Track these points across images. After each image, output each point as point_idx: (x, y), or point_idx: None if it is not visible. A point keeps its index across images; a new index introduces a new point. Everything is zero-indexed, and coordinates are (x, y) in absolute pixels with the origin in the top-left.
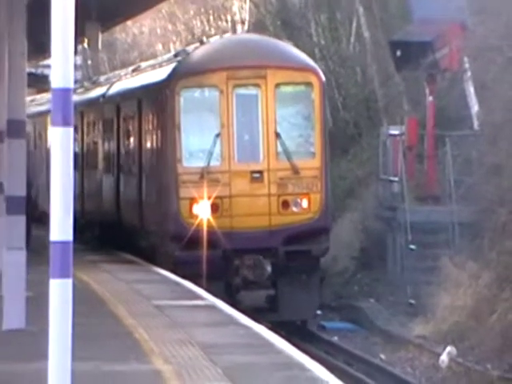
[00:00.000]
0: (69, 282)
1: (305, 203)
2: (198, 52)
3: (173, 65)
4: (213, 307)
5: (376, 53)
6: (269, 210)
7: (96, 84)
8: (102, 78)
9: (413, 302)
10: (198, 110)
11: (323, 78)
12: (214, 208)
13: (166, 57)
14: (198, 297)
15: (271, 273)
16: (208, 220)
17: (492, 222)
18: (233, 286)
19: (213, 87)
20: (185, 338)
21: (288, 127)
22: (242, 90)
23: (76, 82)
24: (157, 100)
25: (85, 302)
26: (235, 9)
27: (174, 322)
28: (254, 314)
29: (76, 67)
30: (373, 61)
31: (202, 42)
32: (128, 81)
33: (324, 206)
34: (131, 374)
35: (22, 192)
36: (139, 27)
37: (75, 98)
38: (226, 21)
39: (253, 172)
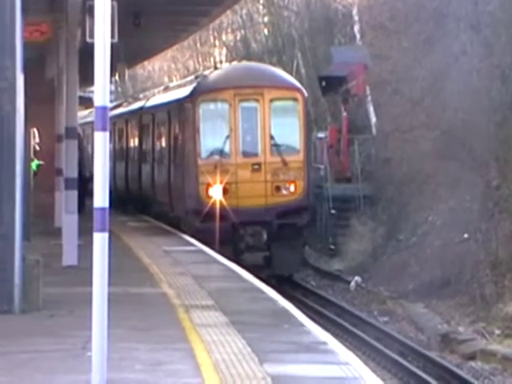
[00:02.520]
0: (106, 235)
1: (292, 188)
2: (212, 75)
3: (194, 84)
4: (201, 251)
5: (309, 83)
6: (265, 192)
7: (136, 99)
8: (141, 95)
9: (333, 247)
10: (213, 118)
11: (306, 95)
12: (225, 191)
13: (188, 79)
14: (192, 244)
15: (267, 239)
16: (220, 200)
17: (384, 195)
18: (238, 249)
19: (224, 101)
20: (182, 272)
21: (279, 131)
22: (245, 104)
23: (111, 101)
24: (182, 110)
25: (117, 248)
26: (216, 54)
27: (176, 261)
28: (254, 269)
29: (111, 92)
30: (307, 88)
31: (215, 68)
32: (160, 96)
33: (305, 189)
34: (147, 294)
35: (74, 174)
36: (152, 65)
37: (122, 109)
38: (210, 62)
39: (253, 164)
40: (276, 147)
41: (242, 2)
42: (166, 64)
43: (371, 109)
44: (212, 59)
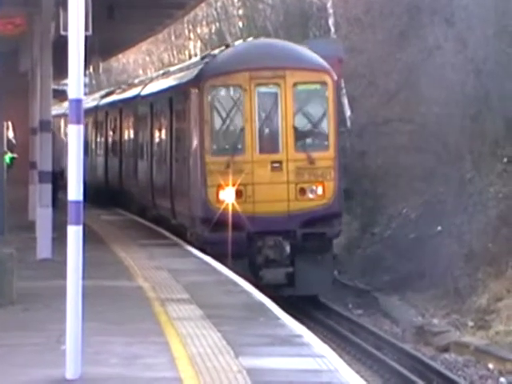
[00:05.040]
0: (80, 228)
1: (320, 190)
2: (223, 54)
3: (200, 66)
4: (177, 244)
5: None
6: (287, 196)
7: (132, 85)
8: (136, 81)
9: None
10: (224, 107)
11: (336, 78)
12: (239, 194)
13: (192, 60)
14: (167, 238)
15: (290, 252)
16: (233, 205)
17: (359, 188)
18: (256, 264)
19: (237, 86)
20: (158, 265)
21: (305, 122)
22: (263, 89)
23: (85, 94)
24: (187, 98)
25: (92, 241)
26: (191, 47)
27: (151, 255)
28: (274, 289)
29: (85, 85)
30: None
31: (227, 46)
32: (160, 82)
33: (336, 192)
34: (123, 288)
35: (48, 168)
36: (127, 58)
37: (116, 97)
38: (185, 55)
39: (273, 162)
40: (301, 141)
41: None
42: (141, 57)
43: (346, 102)
44: (187, 52)
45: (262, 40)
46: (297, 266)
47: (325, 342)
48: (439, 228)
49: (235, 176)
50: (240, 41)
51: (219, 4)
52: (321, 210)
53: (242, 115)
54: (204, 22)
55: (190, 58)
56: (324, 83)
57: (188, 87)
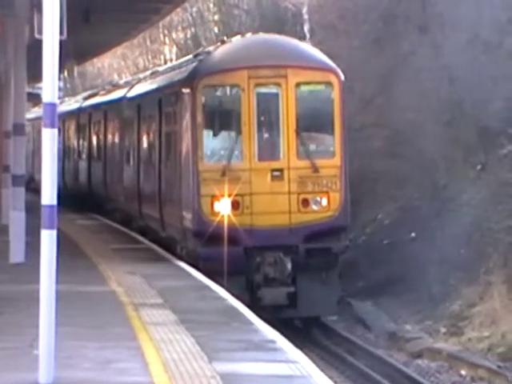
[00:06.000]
0: (54, 232)
1: (324, 201)
2: (219, 51)
3: (194, 64)
4: (150, 249)
5: None
6: (289, 207)
7: (117, 86)
8: (122, 82)
9: None
10: (220, 109)
11: (343, 78)
12: (235, 205)
13: (184, 59)
14: (140, 242)
15: (291, 270)
16: (229, 217)
17: None
18: (254, 283)
19: (234, 86)
20: (131, 270)
21: (308, 126)
22: (262, 89)
23: (59, 98)
24: (178, 99)
25: (66, 246)
26: (166, 51)
27: (124, 259)
28: (274, 310)
29: (59, 89)
30: None
31: (223, 42)
32: (147, 82)
33: (343, 204)
34: (96, 292)
35: (22, 171)
36: (102, 62)
37: (100, 99)
38: (160, 59)
39: (273, 170)
40: (304, 148)
41: (192, 0)
42: (116, 61)
43: None
44: (162, 57)
45: (262, 36)
46: (299, 284)
47: (298, 347)
48: (413, 234)
49: (231, 185)
50: (238, 36)
51: (195, 9)
52: (326, 222)
53: (240, 118)
54: (179, 27)
55: (166, 62)
56: (329, 83)
57: (180, 87)
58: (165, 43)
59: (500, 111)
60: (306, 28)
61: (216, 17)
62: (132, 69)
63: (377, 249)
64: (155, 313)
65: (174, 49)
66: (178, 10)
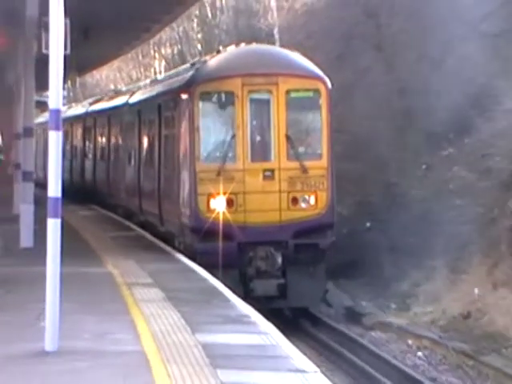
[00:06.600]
0: (58, 221)
1: (312, 200)
2: (214, 60)
3: (191, 72)
4: (142, 237)
5: None
6: (279, 205)
7: (119, 93)
8: (124, 89)
9: None
10: (215, 113)
11: (330, 86)
12: (230, 203)
13: (181, 68)
14: (132, 230)
15: (281, 263)
16: (224, 214)
17: None
18: (246, 275)
19: (229, 92)
20: (125, 254)
21: (298, 130)
22: (255, 96)
23: (63, 104)
24: (177, 104)
25: (69, 233)
26: (156, 65)
27: (120, 245)
28: (265, 301)
29: (63, 97)
30: None
31: (218, 51)
32: (147, 90)
33: (330, 202)
34: (95, 273)
35: (31, 168)
36: (100, 74)
37: (104, 105)
38: (150, 72)
39: (265, 170)
40: (293, 150)
41: (178, 21)
42: (112, 73)
43: None
44: (152, 69)
45: (255, 46)
46: (289, 277)
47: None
48: (368, 224)
49: (226, 184)
50: (232, 46)
51: (181, 29)
52: (313, 220)
53: (234, 122)
54: (168, 44)
55: (155, 74)
56: (317, 91)
57: (178, 93)
58: (155, 58)
59: (443, 119)
60: (277, 46)
61: (199, 35)
62: (126, 80)
63: (337, 237)
64: (146, 291)
65: (163, 63)
66: (166, 28)
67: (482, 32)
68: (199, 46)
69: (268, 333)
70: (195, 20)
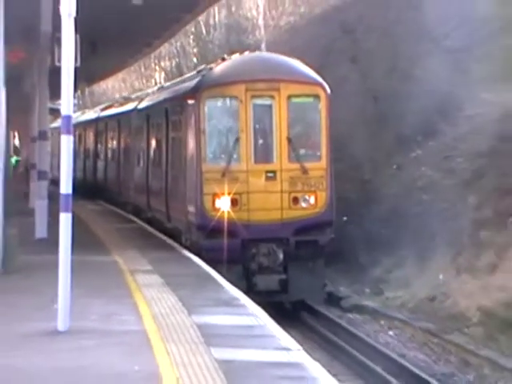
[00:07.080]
0: (69, 214)
1: (312, 199)
2: (220, 67)
3: (197, 78)
4: (145, 229)
5: None
6: (281, 204)
7: (128, 99)
8: (133, 96)
9: None
10: (220, 117)
11: (329, 92)
12: (234, 202)
13: (186, 76)
14: (136, 222)
15: (283, 259)
16: (228, 213)
17: None
18: (250, 271)
19: (233, 97)
20: (129, 244)
21: (298, 133)
22: (258, 101)
23: (74, 111)
24: (184, 108)
25: (79, 226)
26: (156, 76)
27: (123, 236)
28: (267, 295)
29: (74, 105)
30: None
31: (223, 59)
32: (155, 96)
33: (329, 202)
34: (101, 261)
35: (46, 168)
36: (106, 84)
37: (114, 110)
38: (151, 82)
39: (267, 171)
40: (294, 152)
41: (176, 36)
42: (117, 83)
43: None
44: (153, 80)
45: (258, 54)
46: (290, 272)
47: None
48: (345, 218)
49: (231, 185)
50: (236, 54)
51: (178, 44)
52: (313, 218)
53: (238, 126)
54: (167, 57)
55: (156, 85)
56: (317, 96)
57: (185, 98)
58: (155, 70)
59: (412, 124)
60: None
61: (195, 50)
62: (130, 89)
63: None
64: (147, 277)
65: (163, 74)
66: (166, 44)
67: (445, 47)
68: (195, 60)
69: (256, 315)
70: (191, 36)
